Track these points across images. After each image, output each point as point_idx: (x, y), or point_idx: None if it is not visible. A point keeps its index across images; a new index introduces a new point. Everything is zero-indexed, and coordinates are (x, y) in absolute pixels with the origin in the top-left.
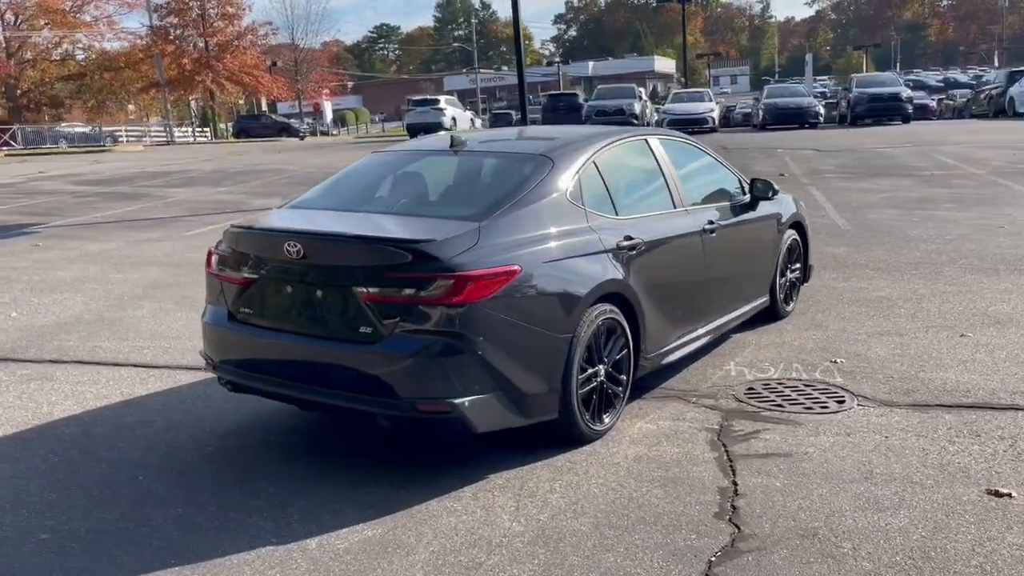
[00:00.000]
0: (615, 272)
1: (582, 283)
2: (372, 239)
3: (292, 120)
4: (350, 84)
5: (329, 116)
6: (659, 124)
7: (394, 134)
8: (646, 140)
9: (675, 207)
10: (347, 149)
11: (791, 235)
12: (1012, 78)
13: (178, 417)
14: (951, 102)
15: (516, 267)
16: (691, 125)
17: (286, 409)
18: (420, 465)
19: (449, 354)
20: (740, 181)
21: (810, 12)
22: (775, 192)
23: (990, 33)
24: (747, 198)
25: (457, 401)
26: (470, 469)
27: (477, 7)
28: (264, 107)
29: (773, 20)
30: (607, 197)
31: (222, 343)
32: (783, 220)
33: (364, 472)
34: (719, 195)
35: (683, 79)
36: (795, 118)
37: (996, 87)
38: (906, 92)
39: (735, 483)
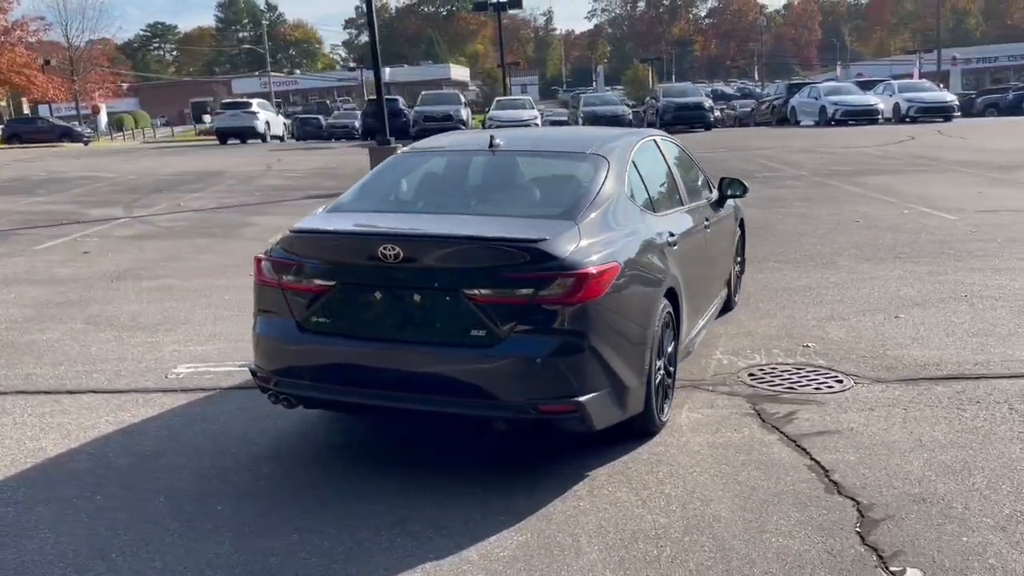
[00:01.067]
0: (671, 267)
1: (658, 279)
2: (488, 239)
3: (73, 123)
4: (125, 85)
5: (104, 120)
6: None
7: (187, 139)
8: (654, 140)
9: (683, 204)
10: (153, 154)
11: (738, 230)
12: (792, 90)
13: (202, 442)
14: (732, 111)
15: (617, 264)
16: None
17: (315, 424)
18: (509, 468)
19: (572, 353)
20: (708, 179)
21: (589, 25)
22: (746, 190)
23: (748, 50)
24: (716, 195)
25: (582, 399)
26: (563, 469)
27: (263, 8)
28: (27, 110)
29: (557, 32)
30: (647, 195)
31: (288, 355)
32: (738, 216)
33: (464, 480)
34: (701, 192)
35: (484, 87)
36: (612, 125)
37: (778, 98)
38: (708, 102)
39: (816, 460)
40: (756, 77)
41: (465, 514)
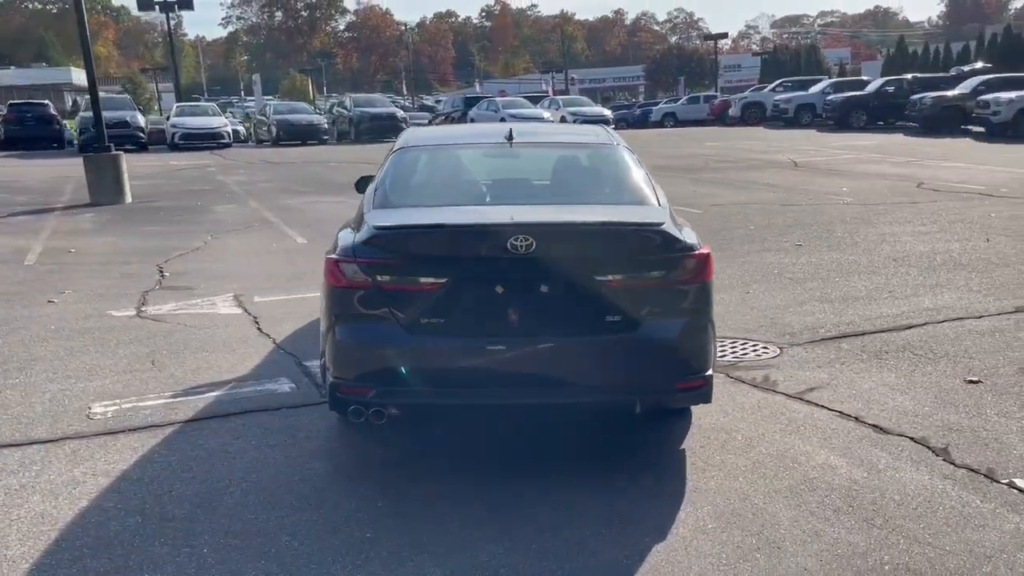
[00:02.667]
0: None
1: None
2: (622, 224)
3: None
4: None
5: None
6: (171, 139)
7: None
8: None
9: None
10: None
11: None
12: (469, 103)
13: (234, 476)
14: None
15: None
16: (207, 140)
17: (352, 441)
18: (604, 462)
19: (701, 330)
20: None
21: (224, 32)
22: None
23: (390, 64)
24: None
25: (709, 373)
26: (657, 448)
27: None
28: None
29: (186, 37)
30: None
31: (395, 361)
32: None
33: (575, 485)
34: None
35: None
36: (307, 135)
37: (456, 110)
38: (400, 112)
39: (839, 411)
40: (404, 91)
41: (607, 517)
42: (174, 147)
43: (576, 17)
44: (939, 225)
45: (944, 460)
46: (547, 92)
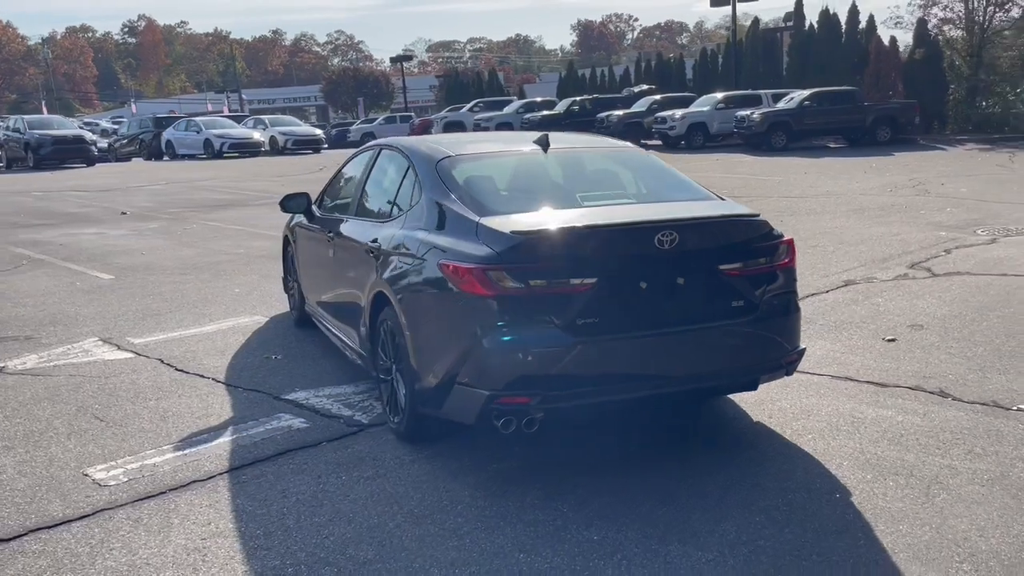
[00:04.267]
0: None
1: None
2: (740, 216)
3: None
4: None
5: None
6: None
7: None
8: None
9: None
10: None
11: None
12: (161, 123)
13: (374, 509)
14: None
15: None
16: None
17: (442, 455)
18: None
19: (797, 308)
20: None
21: None
22: None
23: (16, 83)
24: None
25: (803, 347)
26: (746, 434)
27: None
28: None
29: None
30: None
31: (558, 365)
32: None
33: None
34: None
35: None
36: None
37: (145, 132)
38: (89, 135)
39: (873, 382)
40: (45, 111)
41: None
42: None
43: (232, 36)
44: None
45: (953, 399)
46: (222, 112)
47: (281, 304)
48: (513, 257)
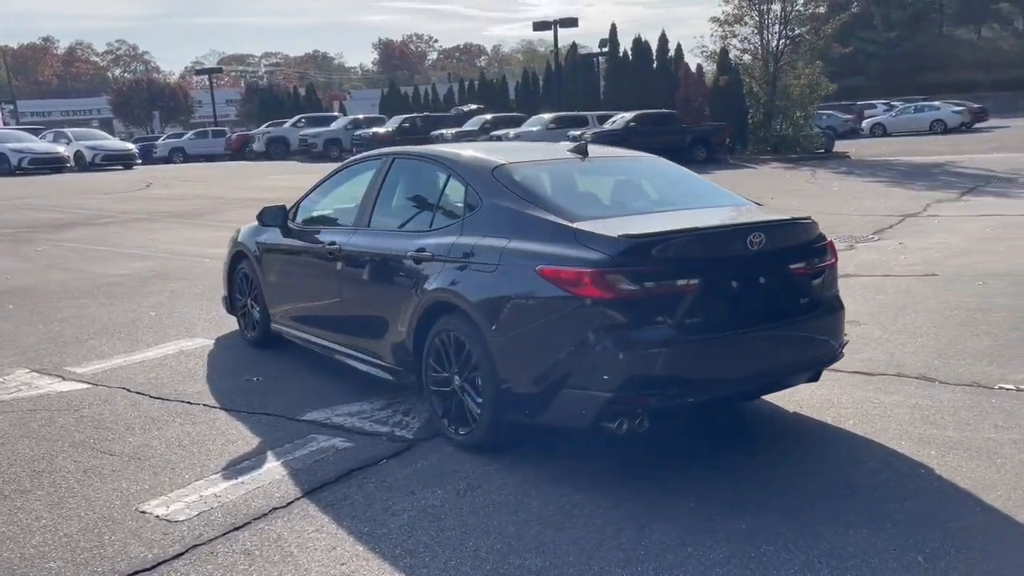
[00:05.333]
0: None
1: None
2: (798, 220)
3: None
4: None
5: None
6: None
7: None
8: None
9: None
10: None
11: None
12: None
13: (499, 520)
14: None
15: None
16: None
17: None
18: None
19: (842, 302)
20: None
21: None
22: None
23: None
24: None
25: (845, 336)
26: (792, 427)
27: None
28: None
29: None
30: None
31: (673, 364)
32: None
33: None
34: None
35: None
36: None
37: None
38: None
39: (859, 372)
40: None
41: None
42: None
43: None
44: None
45: (941, 383)
46: None
47: (217, 326)
48: (627, 260)
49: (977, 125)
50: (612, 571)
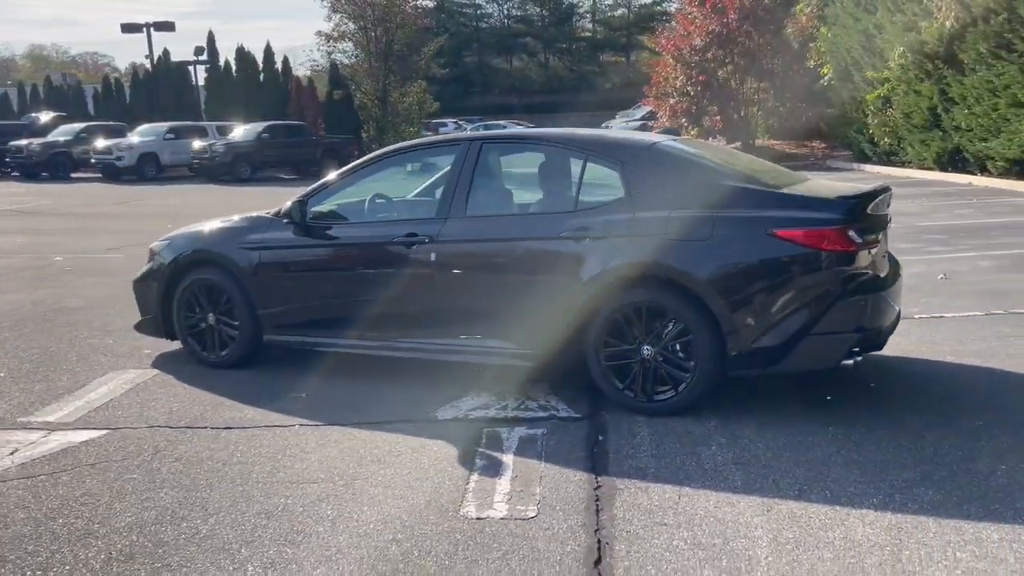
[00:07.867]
0: None
1: None
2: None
3: None
4: None
5: None
6: None
7: None
8: None
9: None
10: None
11: None
12: None
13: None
14: None
15: None
16: None
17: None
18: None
19: None
20: None
21: None
22: None
23: None
24: None
25: None
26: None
27: None
28: None
29: None
30: None
31: (883, 309)
32: None
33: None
34: None
35: None
36: None
37: None
38: None
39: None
40: None
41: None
42: None
43: None
44: None
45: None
46: None
47: (136, 356)
48: (853, 218)
49: None
50: (907, 505)
